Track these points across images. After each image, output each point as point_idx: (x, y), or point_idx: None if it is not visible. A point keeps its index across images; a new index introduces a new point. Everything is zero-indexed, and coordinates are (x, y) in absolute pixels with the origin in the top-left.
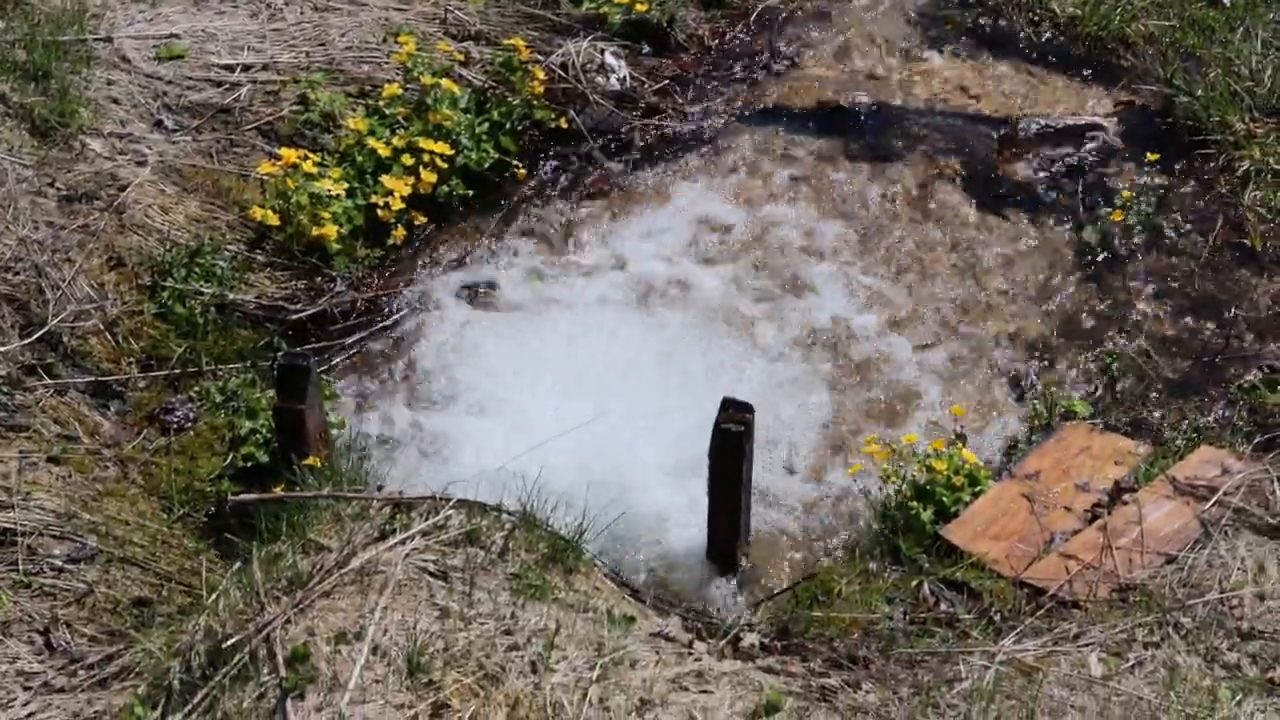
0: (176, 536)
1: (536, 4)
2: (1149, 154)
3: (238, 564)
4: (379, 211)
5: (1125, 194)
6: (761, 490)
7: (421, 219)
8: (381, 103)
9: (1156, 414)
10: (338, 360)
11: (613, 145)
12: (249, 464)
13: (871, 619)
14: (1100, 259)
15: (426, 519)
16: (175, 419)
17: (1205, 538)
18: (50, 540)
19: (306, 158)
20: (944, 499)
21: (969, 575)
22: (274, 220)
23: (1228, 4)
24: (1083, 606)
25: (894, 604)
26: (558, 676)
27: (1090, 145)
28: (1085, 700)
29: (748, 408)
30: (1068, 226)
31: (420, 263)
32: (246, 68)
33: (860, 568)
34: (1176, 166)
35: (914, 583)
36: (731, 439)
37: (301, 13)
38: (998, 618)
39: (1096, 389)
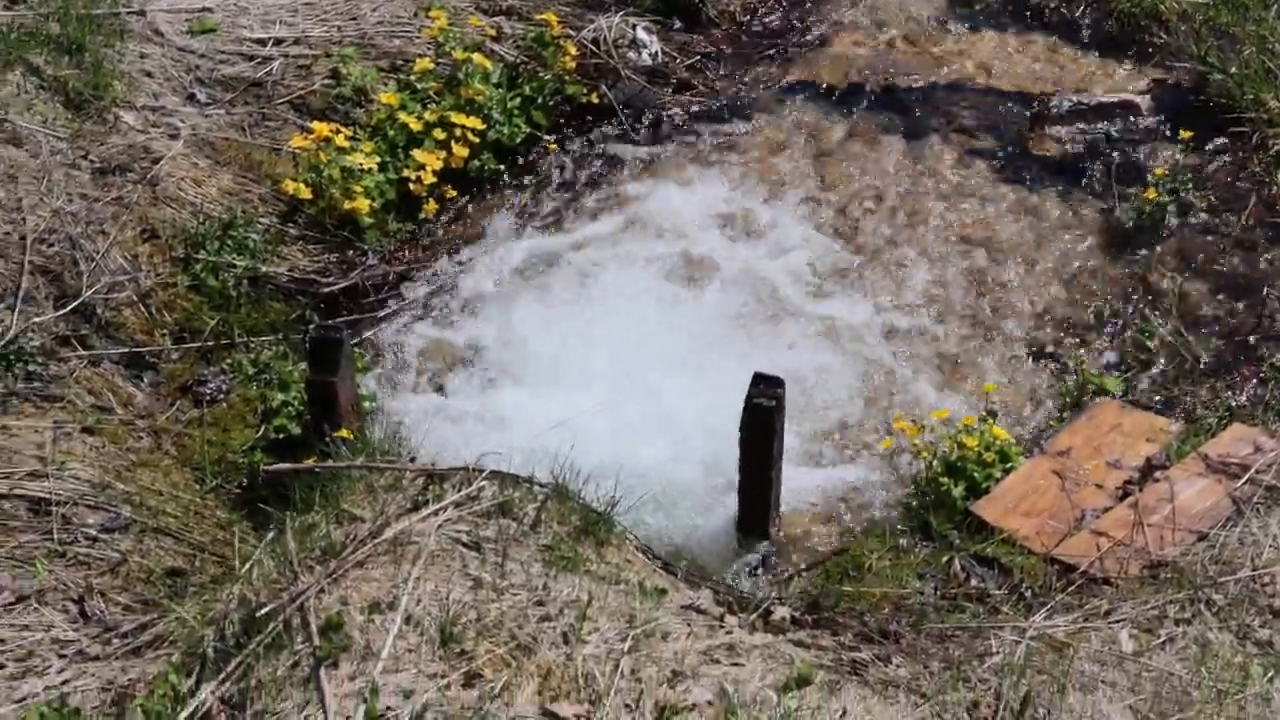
0: (209, 507)
1: None
2: (1182, 132)
3: (271, 534)
4: (410, 185)
5: (1158, 172)
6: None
7: (453, 193)
8: (413, 77)
9: (1189, 392)
10: (370, 332)
11: (644, 120)
12: (281, 436)
13: (902, 594)
14: (1133, 237)
15: (459, 490)
16: (208, 391)
17: (1237, 515)
18: (85, 510)
19: (338, 132)
20: (975, 475)
21: (999, 551)
22: (306, 194)
23: None
24: (1114, 583)
25: (925, 579)
26: (589, 648)
27: (1123, 123)
28: (1116, 676)
29: (779, 382)
30: (1100, 205)
31: (452, 235)
32: (278, 42)
33: (891, 543)
34: (1209, 145)
35: (945, 558)
36: (763, 414)
37: None
38: (1028, 594)
39: (1128, 367)
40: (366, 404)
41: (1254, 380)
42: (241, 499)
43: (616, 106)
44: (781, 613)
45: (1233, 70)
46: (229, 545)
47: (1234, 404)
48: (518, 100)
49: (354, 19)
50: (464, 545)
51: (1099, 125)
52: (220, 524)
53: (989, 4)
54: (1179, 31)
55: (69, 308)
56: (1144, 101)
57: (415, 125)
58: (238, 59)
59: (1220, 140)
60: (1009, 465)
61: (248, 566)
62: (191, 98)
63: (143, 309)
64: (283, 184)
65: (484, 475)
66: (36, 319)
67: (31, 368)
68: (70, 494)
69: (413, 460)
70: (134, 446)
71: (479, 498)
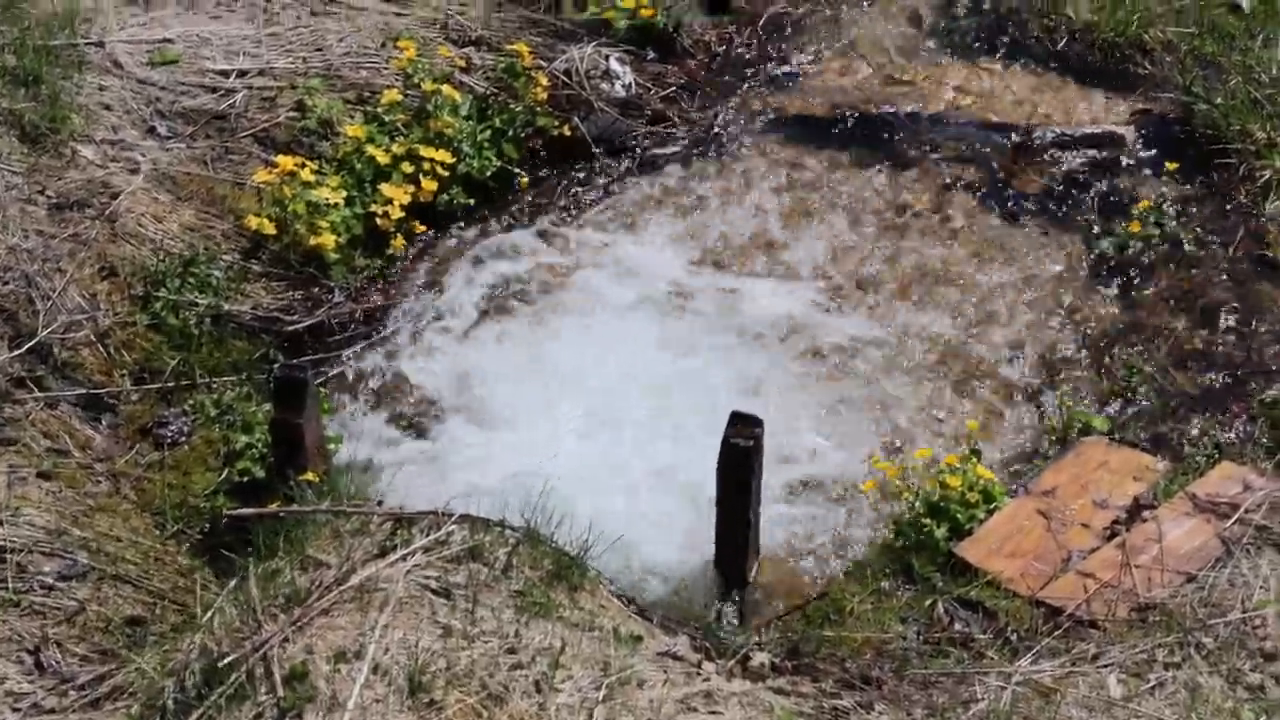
0: (170, 553)
1: (540, 9)
2: (1167, 163)
3: (233, 581)
4: (378, 220)
5: (1143, 204)
6: (774, 503)
7: (422, 228)
8: (381, 109)
9: (1176, 429)
10: (335, 372)
11: (617, 153)
12: (244, 479)
13: (884, 638)
14: (1118, 270)
15: (428, 535)
16: (169, 433)
17: (1227, 556)
18: (40, 557)
19: (304, 165)
20: (958, 516)
21: (984, 594)
22: (270, 229)
23: (1248, 10)
24: (1101, 626)
25: (907, 623)
26: (563, 697)
27: (1107, 154)
28: None
29: (757, 422)
30: (1084, 237)
31: (421, 271)
32: (242, 73)
33: (873, 586)
34: (1196, 176)
35: (928, 602)
36: (739, 454)
37: (298, 17)
38: (1014, 638)
39: (1115, 404)
40: (332, 446)
41: (1243, 417)
42: (203, 545)
43: (589, 139)
44: (760, 659)
45: (1218, 100)
46: (190, 593)
47: (1223, 441)
48: (488, 133)
49: (320, 50)
50: (433, 591)
51: (1082, 157)
52: (181, 571)
53: (970, 34)
54: (1164, 61)
55: (24, 348)
56: (1128, 132)
57: (383, 158)
58: (200, 91)
59: (1206, 172)
60: (993, 505)
61: (209, 615)
62: (152, 131)
63: (101, 349)
64: (246, 219)
65: (454, 519)
66: None
67: None
68: (25, 541)
69: (380, 504)
70: (92, 491)
71: (448, 542)
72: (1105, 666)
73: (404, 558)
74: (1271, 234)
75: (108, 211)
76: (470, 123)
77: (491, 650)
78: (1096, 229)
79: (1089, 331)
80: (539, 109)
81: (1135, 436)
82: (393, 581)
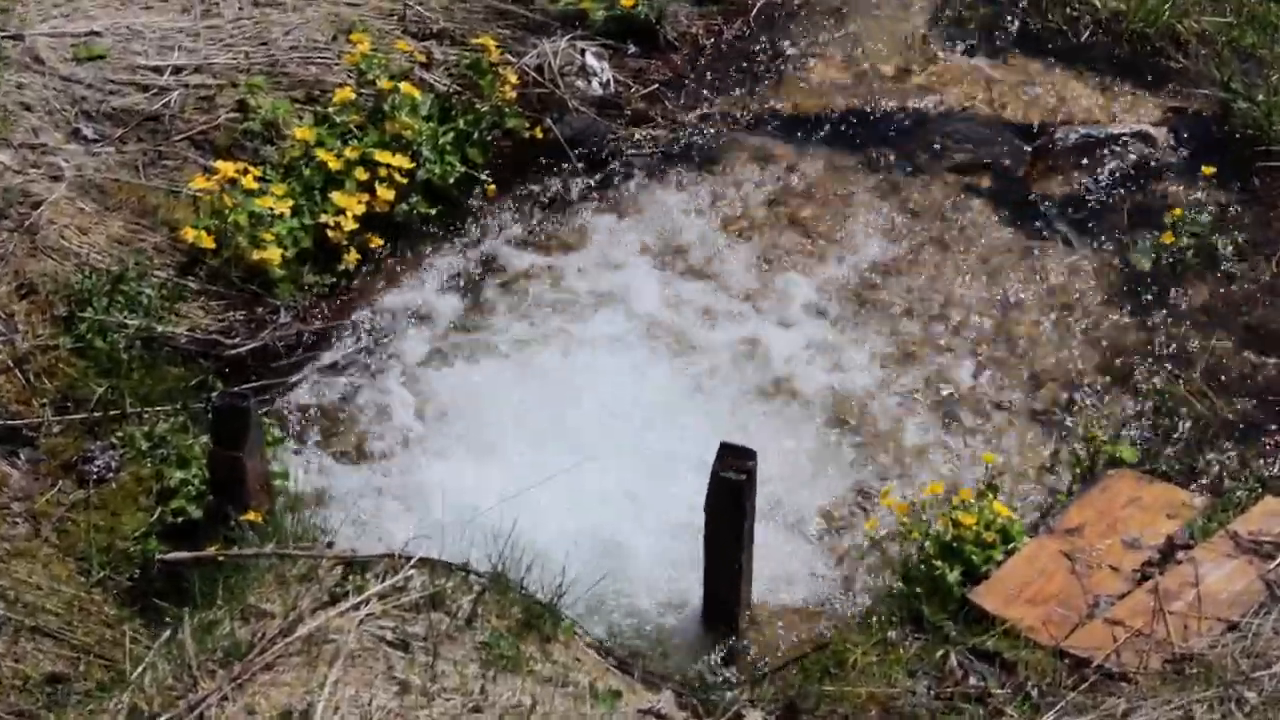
0: (96, 603)
1: None
2: (1204, 167)
3: (166, 634)
4: (329, 233)
5: (1177, 212)
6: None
7: (377, 241)
8: (332, 109)
9: (1215, 461)
10: (281, 400)
11: (594, 158)
12: (179, 519)
13: (891, 694)
14: (1149, 286)
15: (383, 580)
16: (95, 468)
17: (1271, 601)
18: None
19: (246, 172)
20: (973, 557)
21: (1002, 644)
22: (208, 243)
23: None
24: (1132, 679)
25: (917, 677)
26: None
27: (1136, 157)
28: None
29: (749, 454)
30: (1112, 249)
31: (376, 288)
32: (177, 70)
33: (878, 636)
34: (1235, 181)
35: (939, 653)
36: (731, 489)
37: (240, 8)
38: (1035, 693)
39: (1146, 432)
40: (278, 482)
41: None
42: (133, 593)
43: (563, 142)
44: (754, 717)
45: (1260, 98)
46: (119, 647)
47: (1266, 474)
48: (451, 135)
49: (264, 44)
50: (389, 643)
51: (1110, 160)
52: (108, 622)
53: (984, 24)
54: (1198, 55)
55: None
56: (1160, 133)
57: (334, 164)
58: (130, 90)
59: (1247, 176)
60: (1011, 546)
61: (140, 671)
62: (77, 134)
63: (19, 375)
64: (182, 231)
65: (411, 562)
66: None
67: None
68: None
69: (330, 546)
70: (8, 534)
71: (406, 588)
72: None
73: (356, 606)
74: None
75: (27, 223)
76: (431, 124)
77: (454, 709)
78: (1125, 240)
79: (1117, 353)
80: (507, 109)
81: (1169, 469)
82: (344, 632)
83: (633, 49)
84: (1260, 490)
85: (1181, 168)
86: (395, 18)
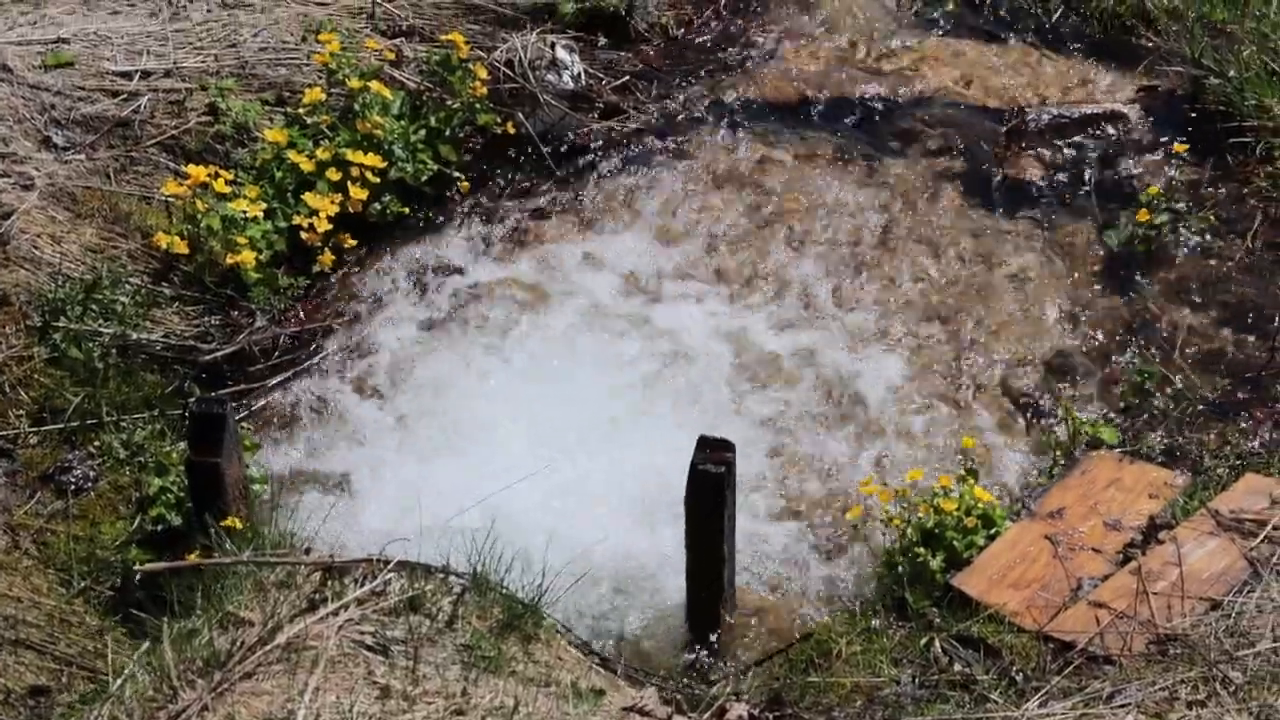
0: (77, 614)
1: None
2: (1177, 144)
3: (147, 644)
4: (303, 234)
5: (1151, 190)
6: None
7: (352, 241)
8: (302, 110)
9: (1194, 439)
10: (259, 405)
11: (565, 152)
12: (159, 528)
13: (876, 683)
14: (1125, 264)
15: (362, 585)
16: (73, 479)
17: (1254, 579)
18: None
19: (218, 175)
20: (955, 543)
21: (986, 630)
22: (182, 248)
23: None
24: (1116, 662)
25: (901, 665)
26: None
27: (1109, 136)
28: None
29: (728, 446)
30: (1087, 229)
31: (351, 290)
32: (146, 74)
33: (862, 625)
34: (1208, 158)
35: (923, 640)
36: (710, 482)
37: (208, 10)
38: (1020, 678)
39: (1126, 413)
40: (256, 488)
41: (1268, 423)
42: (114, 603)
43: (534, 136)
44: (738, 710)
45: (1232, 73)
46: (100, 658)
47: (1246, 451)
48: (423, 133)
49: (233, 46)
50: (369, 648)
51: (1083, 140)
52: (90, 633)
53: (956, 8)
54: (1170, 32)
55: None
56: (1133, 111)
57: (306, 165)
58: (100, 96)
59: (1220, 153)
60: (993, 531)
61: (121, 682)
62: (47, 141)
63: None
64: (155, 237)
65: (390, 566)
66: None
67: None
68: None
69: (308, 552)
70: None
71: (385, 592)
72: (1122, 707)
73: (335, 611)
74: None
75: None
76: (402, 123)
77: (436, 712)
78: (1100, 219)
79: (1094, 332)
80: (478, 105)
81: (1149, 449)
82: (323, 638)
83: (603, 41)
84: (1241, 467)
85: (1154, 146)
86: (364, 16)
